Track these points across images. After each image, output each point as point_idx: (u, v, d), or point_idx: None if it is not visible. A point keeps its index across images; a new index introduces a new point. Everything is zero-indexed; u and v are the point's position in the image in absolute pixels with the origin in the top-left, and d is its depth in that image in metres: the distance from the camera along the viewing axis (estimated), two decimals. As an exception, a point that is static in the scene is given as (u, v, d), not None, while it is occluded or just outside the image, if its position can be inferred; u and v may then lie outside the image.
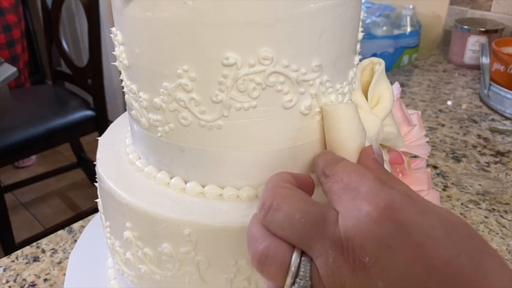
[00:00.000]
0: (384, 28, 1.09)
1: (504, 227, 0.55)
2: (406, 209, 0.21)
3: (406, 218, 0.20)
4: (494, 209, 0.59)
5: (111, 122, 0.44)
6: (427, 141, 0.45)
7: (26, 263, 0.51)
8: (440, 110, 0.88)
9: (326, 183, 0.25)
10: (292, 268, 0.22)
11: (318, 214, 0.22)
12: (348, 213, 0.21)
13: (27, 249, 0.53)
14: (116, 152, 0.38)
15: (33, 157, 2.04)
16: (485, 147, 0.74)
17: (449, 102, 0.92)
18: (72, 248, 0.50)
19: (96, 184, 0.38)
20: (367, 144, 0.30)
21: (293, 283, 0.22)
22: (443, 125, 0.82)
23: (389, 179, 0.24)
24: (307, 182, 0.27)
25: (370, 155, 0.28)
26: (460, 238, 0.20)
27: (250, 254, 0.23)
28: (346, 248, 0.20)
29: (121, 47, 0.32)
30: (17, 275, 0.49)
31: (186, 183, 0.33)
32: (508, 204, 0.60)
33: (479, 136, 0.78)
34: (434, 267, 0.19)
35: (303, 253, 0.22)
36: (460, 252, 0.20)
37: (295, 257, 0.22)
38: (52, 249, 0.53)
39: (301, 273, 0.22)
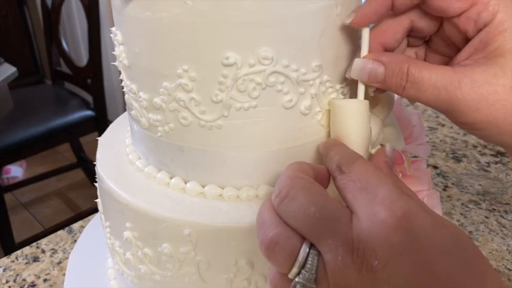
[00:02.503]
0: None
1: (504, 227, 0.55)
2: (422, 221, 0.21)
3: (420, 229, 0.21)
4: (494, 209, 0.59)
5: (111, 122, 0.44)
6: (427, 141, 0.45)
7: (26, 263, 0.51)
8: (440, 110, 0.88)
9: (341, 180, 0.25)
10: (300, 259, 0.22)
11: (332, 211, 0.22)
12: (364, 216, 0.22)
13: (27, 249, 0.53)
14: (116, 152, 0.38)
15: (21, 171, 1.98)
16: (485, 147, 0.74)
17: (449, 102, 0.92)
18: (72, 248, 0.50)
19: (96, 184, 0.38)
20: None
21: (298, 273, 0.22)
22: (443, 125, 0.82)
23: (404, 186, 0.24)
24: (323, 175, 0.27)
25: (383, 158, 0.28)
26: (466, 256, 0.21)
27: (259, 239, 0.23)
28: (356, 249, 0.21)
29: (121, 47, 0.32)
30: (17, 275, 0.49)
31: (186, 183, 0.33)
32: (508, 204, 0.60)
33: (479, 136, 0.78)
34: (439, 281, 0.20)
35: (312, 245, 0.22)
36: (464, 269, 0.20)
37: (304, 249, 0.22)
38: (52, 249, 0.53)
39: (308, 265, 0.22)
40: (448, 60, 0.31)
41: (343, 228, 0.21)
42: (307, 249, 0.22)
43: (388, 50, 0.31)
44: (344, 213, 0.22)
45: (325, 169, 0.27)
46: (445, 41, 0.31)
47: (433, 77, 0.27)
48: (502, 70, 0.26)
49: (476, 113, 0.27)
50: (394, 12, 0.30)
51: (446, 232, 0.21)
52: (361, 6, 0.29)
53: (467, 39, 0.29)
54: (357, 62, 0.29)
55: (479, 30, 0.27)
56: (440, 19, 0.30)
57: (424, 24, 0.30)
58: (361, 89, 0.30)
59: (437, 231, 0.21)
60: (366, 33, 0.30)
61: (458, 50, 0.30)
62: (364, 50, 0.30)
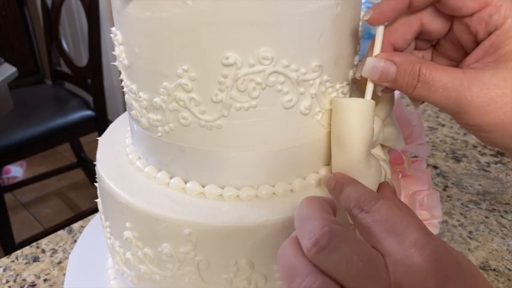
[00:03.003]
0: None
1: (504, 227, 0.55)
2: (449, 262, 0.22)
3: (449, 271, 0.22)
4: (494, 209, 0.59)
5: (111, 122, 0.44)
6: (427, 141, 0.45)
7: (26, 263, 0.51)
8: (440, 110, 0.88)
9: (364, 219, 0.24)
10: None
11: (371, 257, 0.22)
12: (398, 259, 0.22)
13: (27, 249, 0.53)
14: (116, 152, 0.38)
15: (21, 171, 1.98)
16: (485, 147, 0.74)
17: (449, 102, 0.92)
18: (72, 248, 0.50)
19: (96, 184, 0.38)
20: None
21: None
22: (443, 125, 0.82)
23: (423, 224, 0.25)
24: (334, 208, 0.27)
25: (389, 189, 0.29)
26: (476, 284, 0.23)
27: None
28: None
29: (121, 47, 0.32)
30: (17, 275, 0.49)
31: (186, 183, 0.33)
32: (508, 204, 0.60)
33: (479, 136, 0.78)
34: None
35: None
36: None
37: None
38: (52, 249, 0.53)
39: None
40: (455, 64, 0.32)
41: (382, 274, 0.22)
42: None
43: (396, 50, 0.31)
44: (379, 257, 0.22)
45: (332, 200, 0.27)
46: (453, 44, 0.31)
47: (444, 78, 0.27)
48: (511, 74, 0.27)
49: (485, 115, 0.27)
50: (410, 9, 0.30)
51: (464, 269, 0.23)
52: (378, 3, 0.29)
53: (476, 42, 0.29)
54: (369, 60, 0.29)
55: (489, 33, 0.28)
56: (450, 21, 0.30)
57: (435, 26, 0.30)
58: (369, 88, 0.30)
59: (461, 270, 0.22)
60: (380, 31, 0.30)
61: (466, 54, 0.30)
62: (377, 48, 0.30)
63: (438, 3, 0.29)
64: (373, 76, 0.29)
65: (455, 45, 0.31)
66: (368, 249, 0.23)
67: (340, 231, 0.23)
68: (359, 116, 0.29)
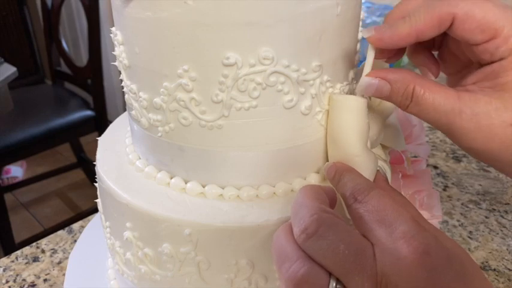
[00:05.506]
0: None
1: (504, 227, 0.55)
2: (439, 254, 0.22)
3: (438, 264, 0.22)
4: (494, 209, 0.59)
5: (111, 122, 0.44)
6: (427, 141, 0.45)
7: (26, 263, 0.51)
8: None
9: (357, 209, 0.25)
10: None
11: (359, 247, 0.23)
12: (385, 250, 0.23)
13: (27, 249, 0.53)
14: (116, 152, 0.38)
15: (21, 171, 1.99)
16: (485, 147, 0.74)
17: (449, 102, 0.92)
18: (72, 248, 0.50)
19: (96, 184, 0.38)
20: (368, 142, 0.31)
21: None
22: (443, 125, 0.82)
23: (419, 217, 0.25)
24: (333, 198, 0.27)
25: (382, 178, 0.30)
26: (470, 278, 0.23)
27: (283, 273, 0.23)
28: (380, 283, 0.22)
29: (121, 47, 0.32)
30: (17, 275, 0.49)
31: (186, 183, 0.33)
32: (508, 204, 0.60)
33: (479, 136, 0.78)
34: None
35: (337, 280, 0.23)
36: None
37: (331, 285, 0.22)
38: (52, 249, 0.53)
39: None
40: (454, 71, 0.32)
41: (368, 263, 0.22)
42: (334, 284, 0.22)
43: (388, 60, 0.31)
44: (367, 247, 0.23)
45: (333, 191, 0.28)
46: (454, 57, 0.31)
47: (436, 101, 0.27)
48: (504, 106, 0.27)
49: (473, 141, 0.27)
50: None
51: (457, 261, 0.23)
52: (382, 28, 0.28)
53: (478, 63, 0.29)
54: (364, 80, 0.29)
55: (493, 62, 0.27)
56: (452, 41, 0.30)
57: (431, 43, 0.30)
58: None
59: (451, 263, 0.22)
60: (370, 55, 0.29)
61: (466, 65, 0.30)
62: (367, 69, 0.30)
63: (447, 30, 0.28)
64: (368, 93, 0.29)
65: (456, 58, 0.31)
66: (356, 238, 0.23)
67: (329, 219, 0.24)
68: (351, 113, 0.30)
